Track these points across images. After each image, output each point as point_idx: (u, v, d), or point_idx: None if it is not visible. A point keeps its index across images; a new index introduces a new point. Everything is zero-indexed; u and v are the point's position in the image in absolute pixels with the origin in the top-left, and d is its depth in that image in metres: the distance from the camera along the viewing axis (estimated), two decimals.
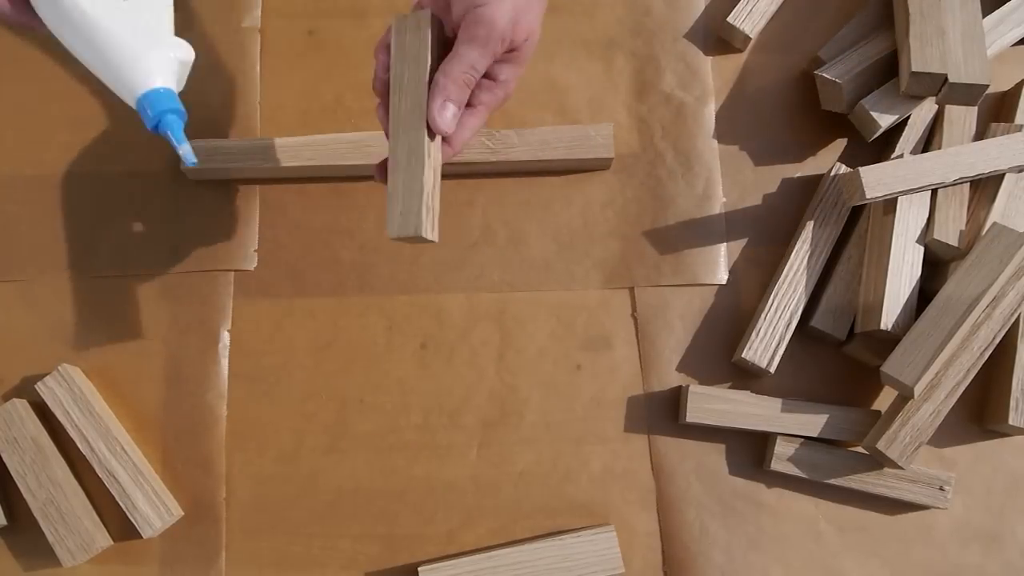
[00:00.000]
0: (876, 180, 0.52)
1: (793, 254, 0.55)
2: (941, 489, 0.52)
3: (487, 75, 0.45)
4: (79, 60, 0.45)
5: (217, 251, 0.58)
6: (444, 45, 0.46)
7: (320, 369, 0.56)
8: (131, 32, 0.45)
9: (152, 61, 0.45)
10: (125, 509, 0.51)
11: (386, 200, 0.44)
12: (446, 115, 0.44)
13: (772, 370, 0.53)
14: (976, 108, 0.56)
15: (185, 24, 0.62)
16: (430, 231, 0.44)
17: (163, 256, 0.57)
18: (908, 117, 0.56)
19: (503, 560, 0.51)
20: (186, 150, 0.45)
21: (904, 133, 0.56)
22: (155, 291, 0.57)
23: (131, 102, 0.45)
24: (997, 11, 0.58)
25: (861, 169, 0.52)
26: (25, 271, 0.57)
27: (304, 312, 0.57)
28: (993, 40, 0.57)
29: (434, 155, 0.45)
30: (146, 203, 0.58)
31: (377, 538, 0.54)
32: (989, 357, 0.51)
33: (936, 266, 0.54)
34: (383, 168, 0.46)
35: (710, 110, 0.60)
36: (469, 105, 0.46)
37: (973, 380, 0.50)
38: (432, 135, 0.44)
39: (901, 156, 0.54)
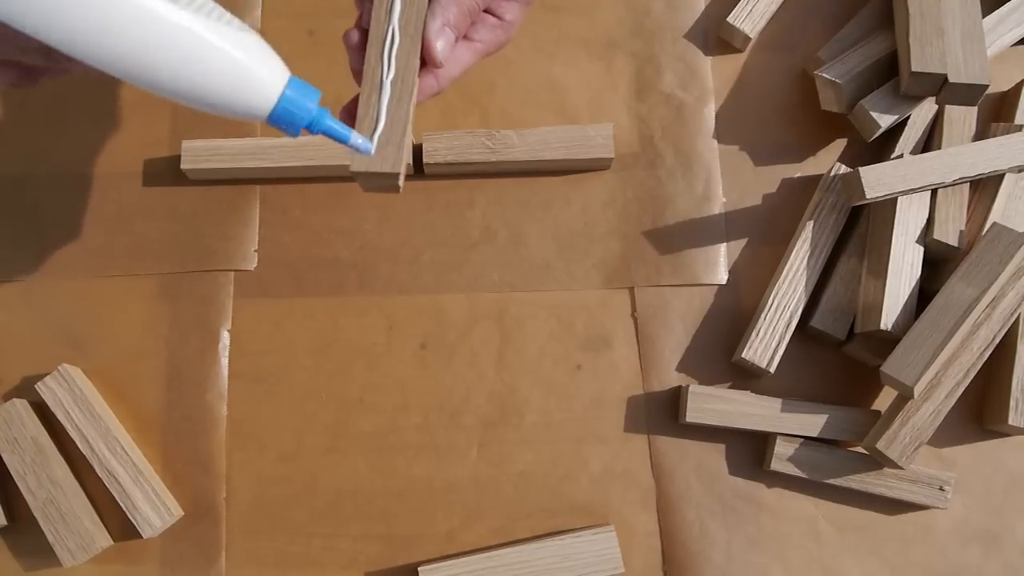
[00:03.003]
0: (876, 180, 0.51)
1: (793, 254, 0.55)
2: (941, 489, 0.52)
3: (489, 10, 0.41)
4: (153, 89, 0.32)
5: (217, 251, 0.58)
6: None
7: (320, 369, 0.56)
8: (215, 33, 0.31)
9: (258, 58, 0.32)
10: (125, 509, 0.51)
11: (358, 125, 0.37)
12: (442, 41, 0.38)
13: (772, 370, 0.53)
14: (976, 108, 0.56)
15: None
16: (403, 174, 0.37)
17: (163, 256, 0.57)
18: (908, 117, 0.56)
19: (503, 560, 0.51)
20: (358, 140, 0.35)
21: (904, 133, 0.56)
22: (155, 291, 0.57)
23: (260, 117, 0.33)
24: (997, 11, 0.58)
25: (861, 169, 0.52)
26: (25, 271, 0.57)
27: (304, 312, 0.57)
28: (993, 40, 0.57)
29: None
30: (146, 203, 0.58)
31: (377, 538, 0.54)
32: (989, 357, 0.51)
33: (936, 266, 0.54)
34: (354, 109, 0.38)
35: (710, 110, 0.60)
36: (465, 38, 0.40)
37: (973, 380, 0.50)
38: (421, 62, 0.38)
39: (901, 156, 0.54)
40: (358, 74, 0.39)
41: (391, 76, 0.38)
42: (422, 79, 0.40)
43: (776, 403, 0.53)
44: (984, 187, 0.54)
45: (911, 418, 0.50)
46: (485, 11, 0.41)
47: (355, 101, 0.39)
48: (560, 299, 0.57)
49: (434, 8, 0.38)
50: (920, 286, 0.53)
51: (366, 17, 0.40)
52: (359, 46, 0.39)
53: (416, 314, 0.57)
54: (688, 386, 0.54)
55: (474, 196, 0.59)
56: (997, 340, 0.51)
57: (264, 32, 0.61)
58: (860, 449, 0.53)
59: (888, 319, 0.51)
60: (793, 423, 0.53)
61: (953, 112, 0.56)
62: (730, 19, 0.60)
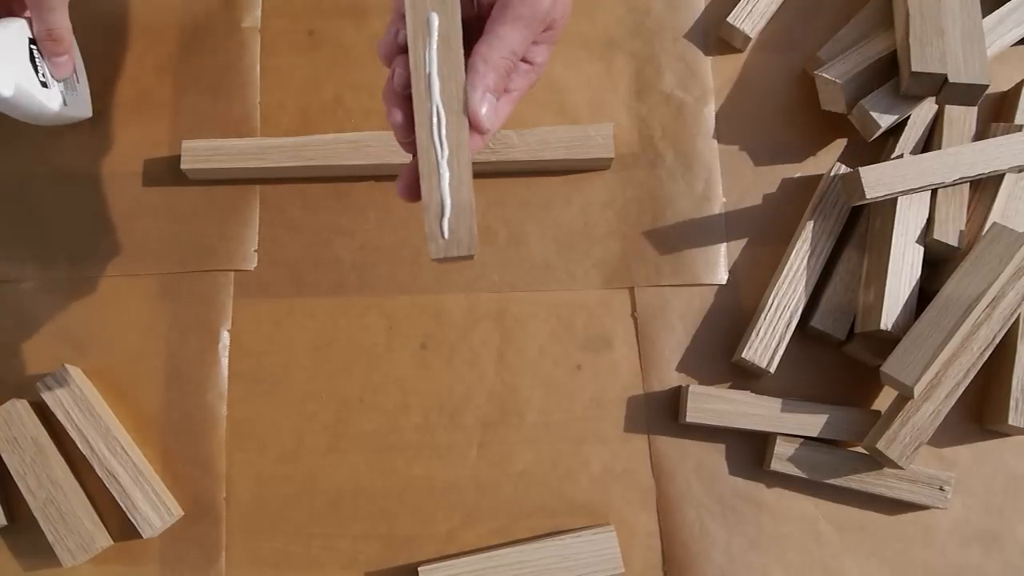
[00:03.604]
0: (876, 180, 0.52)
1: (793, 254, 0.55)
2: (941, 489, 0.52)
3: (522, 58, 0.41)
4: None
5: (217, 251, 0.58)
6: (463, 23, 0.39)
7: (320, 369, 0.56)
8: None
9: None
10: (125, 509, 0.51)
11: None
12: (486, 108, 0.38)
13: (772, 370, 0.53)
14: (976, 108, 0.56)
15: (186, 25, 0.62)
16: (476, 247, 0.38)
17: (163, 256, 0.57)
18: (908, 117, 0.56)
19: (503, 560, 0.51)
20: None
21: (904, 133, 0.56)
22: (155, 291, 0.57)
23: None
24: (997, 11, 0.58)
25: (861, 169, 0.52)
26: (25, 271, 0.57)
27: (304, 312, 0.57)
28: (993, 40, 0.57)
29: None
30: (146, 203, 0.58)
31: (377, 538, 0.54)
32: (989, 357, 0.51)
33: (936, 266, 0.54)
34: (412, 182, 0.38)
35: (710, 110, 0.60)
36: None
37: (973, 380, 0.50)
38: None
39: (901, 156, 0.54)
40: (406, 145, 0.39)
41: (447, 156, 0.38)
42: (470, 139, 0.39)
43: (776, 403, 0.53)
44: (984, 187, 0.54)
45: (911, 418, 0.50)
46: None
47: (411, 174, 0.39)
48: (560, 299, 0.57)
49: (472, 78, 0.38)
50: (920, 286, 0.53)
51: (398, 82, 0.39)
52: (405, 124, 0.39)
53: (416, 314, 0.57)
54: (688, 386, 0.54)
55: (474, 196, 0.58)
56: (997, 340, 0.51)
57: (264, 32, 0.62)
58: (860, 449, 0.53)
59: (888, 319, 0.51)
60: (793, 423, 0.53)
61: (953, 112, 0.56)
62: (730, 19, 0.60)
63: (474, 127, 0.38)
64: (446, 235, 0.37)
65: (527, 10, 0.37)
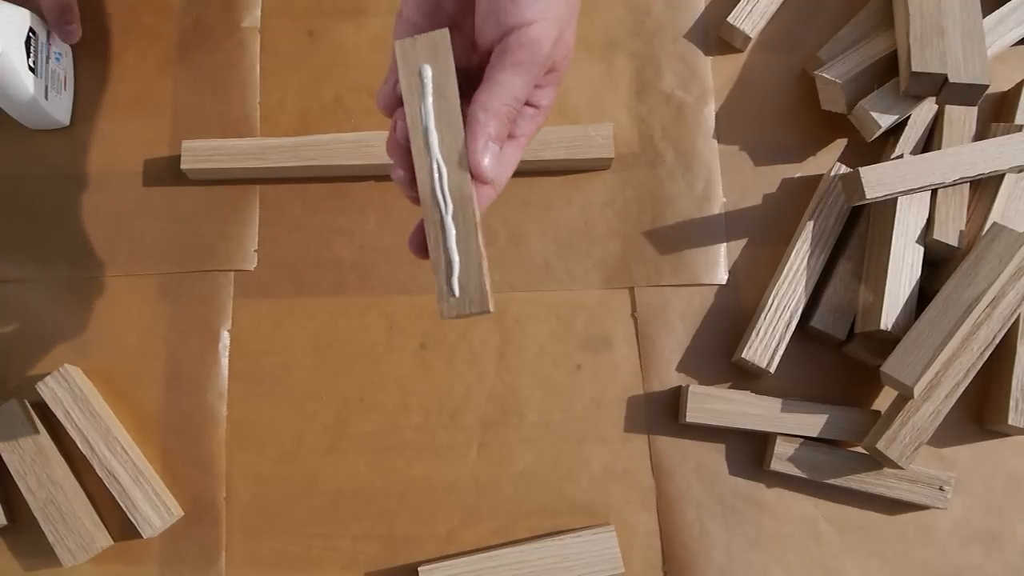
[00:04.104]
0: (876, 180, 0.52)
1: (793, 254, 0.55)
2: (941, 489, 0.52)
3: (527, 101, 0.39)
4: None
5: (217, 251, 0.58)
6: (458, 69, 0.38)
7: (320, 369, 0.56)
8: None
9: None
10: (125, 509, 0.51)
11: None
12: (488, 158, 0.36)
13: (772, 370, 0.53)
14: (976, 108, 0.56)
15: (186, 25, 0.62)
16: (492, 302, 0.36)
17: (163, 256, 0.57)
18: (908, 117, 0.56)
19: (503, 560, 0.51)
20: None
21: (904, 133, 0.56)
22: (155, 291, 0.57)
23: None
24: (997, 11, 0.58)
25: (861, 169, 0.52)
26: (25, 271, 0.57)
27: (304, 312, 0.57)
28: (993, 40, 0.57)
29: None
30: (146, 203, 0.58)
31: (377, 538, 0.54)
32: (989, 357, 0.51)
33: (936, 266, 0.54)
34: (420, 240, 0.38)
35: (710, 110, 0.60)
36: (508, 136, 0.38)
37: (973, 380, 0.50)
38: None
39: (901, 156, 0.54)
40: (414, 200, 0.38)
41: (451, 212, 0.36)
42: (479, 190, 0.37)
43: (776, 403, 0.53)
44: (984, 187, 0.54)
45: (911, 418, 0.50)
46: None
47: (419, 231, 0.38)
48: (560, 299, 0.57)
49: (472, 128, 0.36)
50: (920, 286, 0.53)
51: (400, 134, 0.38)
52: (408, 180, 0.38)
53: (416, 314, 0.57)
54: (688, 386, 0.54)
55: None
56: (997, 340, 0.51)
57: (264, 32, 0.62)
58: (860, 449, 0.53)
59: (888, 319, 0.51)
60: (793, 423, 0.53)
61: (953, 112, 0.56)
62: (730, 19, 0.60)
63: (477, 178, 0.37)
64: (456, 293, 0.36)
65: (527, 55, 0.36)
